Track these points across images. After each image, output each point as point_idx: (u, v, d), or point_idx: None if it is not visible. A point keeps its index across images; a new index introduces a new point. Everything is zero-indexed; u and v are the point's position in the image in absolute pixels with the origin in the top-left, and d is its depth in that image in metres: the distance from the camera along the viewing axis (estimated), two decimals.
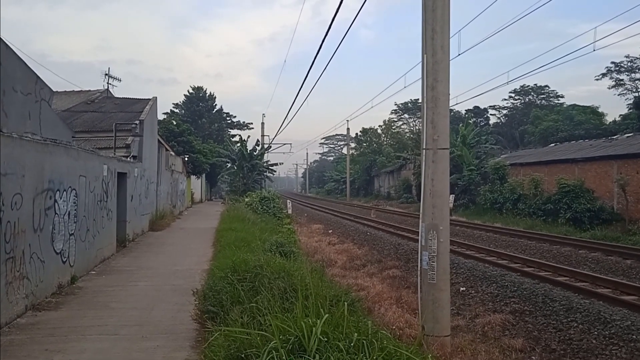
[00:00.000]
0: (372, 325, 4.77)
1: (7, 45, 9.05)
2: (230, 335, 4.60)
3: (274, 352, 3.86)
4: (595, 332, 8.05)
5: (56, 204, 8.99)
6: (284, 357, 3.80)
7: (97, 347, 6.19)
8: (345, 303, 4.71)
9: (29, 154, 7.83)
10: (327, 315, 4.26)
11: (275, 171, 53.90)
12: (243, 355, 4.26)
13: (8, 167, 7.03)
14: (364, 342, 4.16)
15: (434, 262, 7.09)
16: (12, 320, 7.11)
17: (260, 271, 6.64)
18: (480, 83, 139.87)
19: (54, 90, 12.01)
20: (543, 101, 65.02)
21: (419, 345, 5.55)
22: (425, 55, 7.31)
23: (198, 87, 66.87)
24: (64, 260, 9.45)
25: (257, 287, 6.11)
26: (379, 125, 76.57)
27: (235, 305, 5.65)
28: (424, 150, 7.30)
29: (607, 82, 53.52)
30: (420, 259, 7.26)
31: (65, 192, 9.48)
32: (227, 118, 71.64)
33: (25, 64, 9.72)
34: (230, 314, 5.45)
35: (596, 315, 8.67)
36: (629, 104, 50.14)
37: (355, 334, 4.12)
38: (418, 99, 74.87)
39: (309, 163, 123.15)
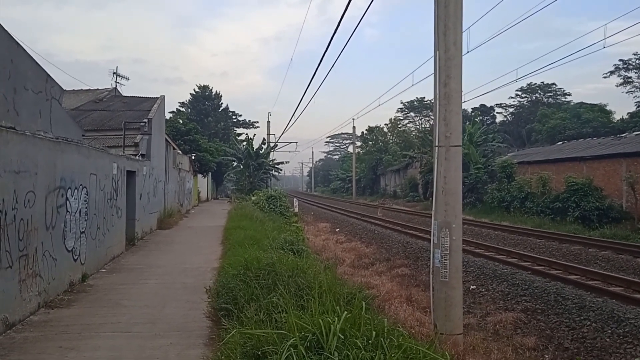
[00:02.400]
0: (387, 323, 4.75)
1: (18, 43, 9.09)
2: (246, 333, 4.59)
3: (292, 349, 3.84)
4: (609, 331, 8.00)
5: (68, 202, 9.02)
6: (303, 354, 3.78)
7: (111, 344, 6.20)
8: (363, 301, 4.69)
9: (41, 152, 7.86)
10: (345, 312, 4.24)
11: (281, 170, 53.98)
12: (260, 353, 4.24)
13: (21, 164, 7.06)
14: (381, 339, 4.14)
15: (446, 259, 7.07)
16: (26, 318, 7.14)
17: (274, 269, 6.63)
18: (487, 81, 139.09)
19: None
20: (550, 99, 64.67)
21: (432, 343, 5.52)
22: (437, 52, 7.27)
23: (204, 85, 67.00)
24: (75, 258, 9.48)
25: (271, 285, 6.10)
26: (385, 124, 76.51)
27: (250, 303, 5.64)
28: (437, 148, 7.26)
29: (615, 79, 53.34)
30: (433, 257, 7.24)
31: (76, 190, 9.51)
32: (233, 117, 71.66)
33: (37, 62, 9.75)
34: (244, 311, 5.44)
35: (609, 313, 8.61)
36: (637, 102, 49.96)
37: (374, 332, 4.10)
38: (424, 97, 74.92)
39: (314, 162, 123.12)
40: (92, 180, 10.61)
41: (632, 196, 22.77)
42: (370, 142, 72.92)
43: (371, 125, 75.15)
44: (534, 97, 65.27)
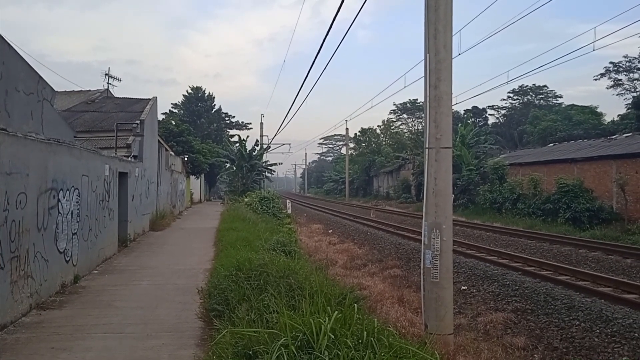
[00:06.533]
0: (378, 323, 4.79)
1: (9, 45, 9.08)
2: (238, 333, 4.62)
3: (283, 348, 3.88)
4: (597, 330, 8.09)
5: (59, 204, 9.01)
6: (293, 353, 3.82)
7: (103, 345, 6.21)
8: (355, 302, 4.73)
9: (33, 153, 7.85)
10: (336, 312, 4.28)
11: (274, 171, 53.94)
12: (251, 352, 4.28)
13: (13, 166, 7.05)
14: (372, 339, 4.19)
15: (437, 260, 7.13)
16: (17, 319, 7.12)
17: (266, 269, 6.67)
18: (479, 83, 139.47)
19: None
20: (541, 101, 65.15)
21: (423, 343, 5.57)
22: (428, 55, 7.34)
23: (197, 87, 66.81)
24: (67, 259, 9.46)
25: (263, 285, 6.14)
26: (378, 126, 76.78)
27: (242, 303, 5.68)
28: (427, 149, 7.33)
29: (606, 82, 53.64)
30: (424, 258, 7.30)
31: (68, 192, 9.50)
32: (226, 118, 71.56)
33: (28, 64, 9.74)
34: (236, 311, 5.47)
35: (598, 313, 8.72)
36: (627, 104, 50.30)
37: (365, 332, 4.14)
38: (417, 99, 75.21)
39: (307, 163, 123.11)
40: (83, 182, 10.59)
41: (622, 197, 22.98)
42: (363, 144, 73.12)
43: (364, 127, 75.42)
44: (525, 99, 65.71)
